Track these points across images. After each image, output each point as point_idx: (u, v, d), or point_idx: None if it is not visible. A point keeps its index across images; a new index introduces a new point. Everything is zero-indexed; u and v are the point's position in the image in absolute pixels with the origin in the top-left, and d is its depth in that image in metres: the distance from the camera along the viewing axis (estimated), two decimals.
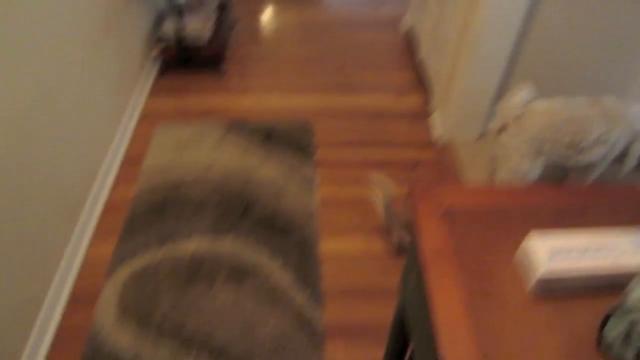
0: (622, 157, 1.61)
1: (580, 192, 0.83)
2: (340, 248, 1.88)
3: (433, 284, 0.68)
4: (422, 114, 2.48)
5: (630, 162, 1.60)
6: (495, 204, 0.80)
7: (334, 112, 2.49)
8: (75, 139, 1.85)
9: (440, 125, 2.33)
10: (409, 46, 2.96)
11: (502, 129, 1.60)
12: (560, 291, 0.68)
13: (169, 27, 2.60)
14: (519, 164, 1.55)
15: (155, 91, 2.63)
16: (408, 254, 0.89)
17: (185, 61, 2.73)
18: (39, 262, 1.60)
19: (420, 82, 2.68)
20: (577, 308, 0.67)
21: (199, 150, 2.24)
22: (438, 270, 0.70)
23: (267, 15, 3.26)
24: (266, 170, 2.13)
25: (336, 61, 2.84)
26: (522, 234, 0.76)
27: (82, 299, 1.73)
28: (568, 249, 0.66)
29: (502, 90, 2.16)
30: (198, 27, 2.62)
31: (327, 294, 1.73)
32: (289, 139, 2.29)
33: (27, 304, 1.53)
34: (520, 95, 1.54)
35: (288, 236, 1.88)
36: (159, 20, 2.74)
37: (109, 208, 2.03)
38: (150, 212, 1.98)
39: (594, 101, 1.56)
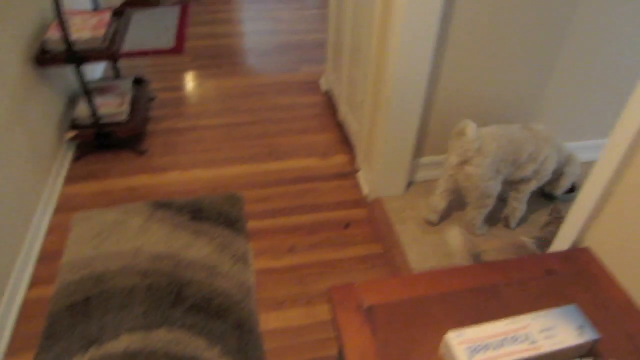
0: (558, 177, 2.02)
1: (491, 270, 0.86)
2: (282, 323, 1.82)
3: None
4: (349, 173, 2.54)
5: (564, 183, 1.99)
6: (414, 293, 0.81)
7: (262, 181, 2.48)
8: None
9: (366, 182, 2.39)
10: (330, 106, 3.06)
11: (464, 162, 1.82)
12: None
13: (82, 109, 2.52)
14: (488, 187, 1.83)
15: (71, 177, 2.50)
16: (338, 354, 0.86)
17: (103, 143, 2.64)
18: None
19: (344, 141, 2.76)
20: None
21: (123, 237, 2.13)
22: None
23: (186, 87, 3.26)
24: (196, 250, 2.06)
25: (260, 128, 2.87)
26: (444, 323, 0.77)
27: None
28: (486, 341, 0.67)
29: (421, 143, 2.26)
30: (114, 106, 2.56)
31: None
32: (218, 214, 2.24)
33: None
34: (471, 129, 1.77)
35: (225, 319, 1.80)
36: (71, 103, 2.66)
37: (24, 315, 1.86)
38: (71, 314, 1.83)
39: (524, 126, 1.91)
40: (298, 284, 1.97)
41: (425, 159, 2.34)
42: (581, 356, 0.70)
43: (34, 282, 1.98)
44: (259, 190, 2.43)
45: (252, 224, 2.23)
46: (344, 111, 2.72)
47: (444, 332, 0.71)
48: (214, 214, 2.24)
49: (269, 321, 1.82)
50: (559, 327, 0.70)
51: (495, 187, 1.86)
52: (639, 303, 0.81)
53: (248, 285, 1.93)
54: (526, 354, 0.67)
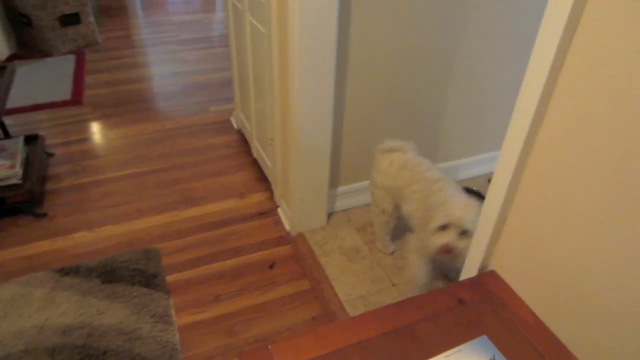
0: None
1: (404, 308, 0.87)
2: None
3: None
4: (269, 211, 2.50)
5: None
6: (330, 347, 0.78)
7: (179, 230, 2.37)
8: None
9: (287, 218, 2.37)
10: (243, 144, 3.02)
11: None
12: None
13: None
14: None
15: None
16: None
17: None
18: None
19: (261, 179, 2.72)
20: None
21: (25, 312, 1.92)
22: None
23: (88, 140, 3.08)
24: (111, 315, 1.90)
25: (172, 174, 2.76)
26: None
27: None
28: None
29: (336, 174, 2.29)
30: (4, 169, 2.34)
31: None
32: (133, 272, 2.09)
33: None
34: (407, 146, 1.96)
35: None
36: None
37: None
38: None
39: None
40: (227, 334, 1.88)
41: (341, 188, 2.37)
42: None
43: None
44: (176, 240, 2.31)
45: (172, 278, 2.11)
46: (257, 148, 2.70)
47: None
48: (129, 272, 2.09)
49: None
50: None
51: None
52: (547, 321, 0.84)
53: (173, 344, 1.81)
54: None
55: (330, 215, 2.38)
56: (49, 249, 2.26)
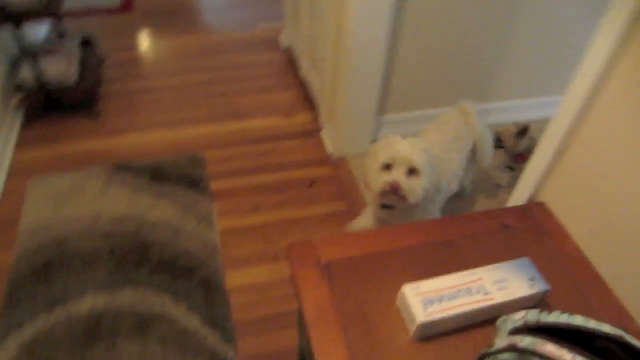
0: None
1: (448, 224, 0.90)
2: (248, 279, 1.85)
3: (317, 345, 0.68)
4: (313, 131, 2.53)
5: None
6: (372, 249, 0.83)
7: (223, 141, 2.45)
8: None
9: (330, 140, 2.40)
10: (290, 64, 3.01)
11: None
12: (440, 332, 0.72)
13: (26, 73, 2.38)
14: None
15: (23, 142, 2.40)
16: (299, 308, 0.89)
17: (53, 107, 2.52)
18: None
19: (306, 99, 2.73)
20: (455, 348, 0.71)
21: (83, 200, 2.07)
22: (321, 331, 0.70)
23: (140, 47, 3.13)
24: (160, 211, 2.04)
25: (220, 87, 2.80)
26: (401, 276, 0.79)
27: None
28: (441, 293, 0.71)
29: (385, 101, 2.27)
30: (61, 68, 2.43)
31: (239, 328, 1.69)
32: (180, 175, 2.21)
33: None
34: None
35: (191, 277, 1.81)
36: (14, 67, 2.50)
37: None
38: (33, 277, 1.79)
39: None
40: (263, 241, 1.99)
41: (388, 116, 2.36)
42: (531, 307, 0.75)
43: None
44: (221, 150, 2.40)
45: (215, 184, 2.21)
46: (306, 68, 2.69)
47: (401, 285, 0.74)
48: (176, 175, 2.21)
49: (235, 278, 1.85)
50: (512, 279, 0.73)
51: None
52: (590, 257, 0.86)
53: (213, 244, 1.94)
54: (479, 305, 0.70)
55: (373, 142, 2.39)
56: (103, 147, 2.38)
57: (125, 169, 2.23)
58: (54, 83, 2.40)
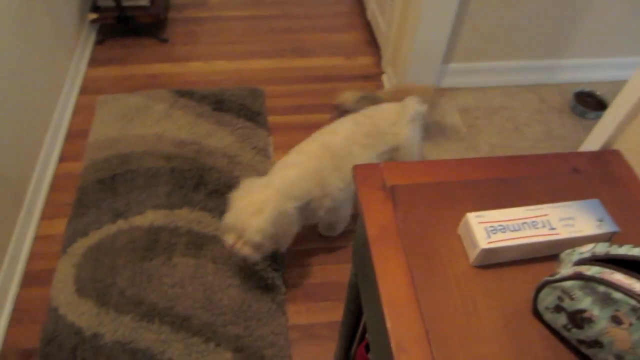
0: None
1: (516, 163, 0.87)
2: None
3: (378, 263, 0.70)
4: (373, 75, 2.49)
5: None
6: (437, 178, 0.83)
7: (284, 77, 2.45)
8: (11, 117, 1.74)
9: (390, 85, 2.35)
10: (358, 4, 2.93)
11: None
12: (500, 262, 0.72)
13: None
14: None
15: (95, 61, 2.49)
16: (357, 228, 0.90)
17: (125, 28, 2.59)
18: None
19: (370, 42, 2.67)
20: (515, 277, 0.71)
21: (147, 121, 2.16)
22: (383, 249, 0.72)
23: None
24: (218, 139, 2.10)
25: (284, 23, 2.77)
26: (464, 206, 0.78)
27: (36, 279, 1.69)
28: (505, 224, 0.70)
29: (452, 48, 2.19)
30: None
31: (287, 258, 1.76)
32: (240, 106, 2.24)
33: None
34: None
35: None
36: None
37: (55, 187, 1.95)
38: (100, 188, 1.92)
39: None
40: None
41: (454, 65, 2.28)
42: None
43: (63, 158, 2.05)
44: (281, 86, 2.41)
45: (273, 119, 2.24)
46: (373, 10, 2.61)
47: (464, 214, 0.74)
48: (236, 105, 2.25)
49: None
50: (579, 218, 0.72)
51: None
52: None
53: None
54: (543, 239, 0.70)
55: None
56: (169, 72, 2.45)
57: (188, 95, 2.29)
58: (129, 3, 2.46)
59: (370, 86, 2.43)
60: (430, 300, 0.67)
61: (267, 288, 1.65)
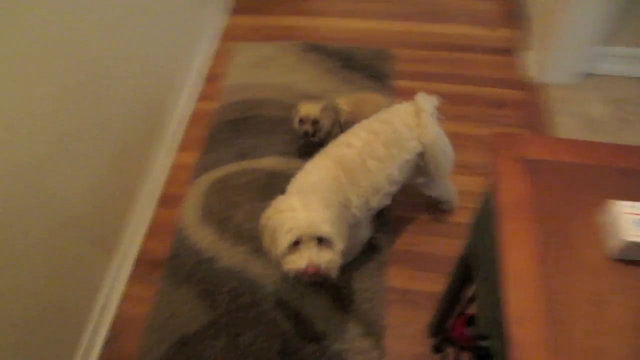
0: None
1: None
2: None
3: (506, 234, 0.68)
4: (515, 50, 2.32)
5: None
6: (583, 159, 0.77)
7: (417, 42, 2.39)
8: (157, 57, 1.93)
9: (533, 64, 2.18)
10: None
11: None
12: None
13: None
14: None
15: (236, 10, 2.64)
16: (484, 197, 0.88)
17: None
18: (133, 165, 1.76)
19: (514, 15, 2.48)
20: None
21: (278, 71, 2.26)
22: (513, 221, 0.69)
23: None
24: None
25: None
26: (610, 194, 0.72)
27: (170, 202, 1.90)
28: None
29: (617, 29, 1.95)
30: None
31: (395, 222, 1.77)
32: (367, 66, 2.25)
33: (123, 202, 1.71)
34: None
35: None
36: None
37: (193, 122, 2.15)
38: (230, 128, 2.07)
39: None
40: None
41: (614, 49, 2.03)
42: None
43: (201, 98, 2.24)
44: (413, 50, 2.35)
45: (399, 83, 2.21)
46: None
47: (606, 202, 0.68)
48: (364, 65, 2.25)
49: None
50: None
51: None
52: None
53: None
54: None
55: (586, 76, 2.11)
56: (304, 25, 2.51)
57: (319, 49, 2.34)
58: None
59: (507, 62, 2.27)
60: (558, 281, 0.64)
61: (370, 247, 1.69)
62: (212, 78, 2.31)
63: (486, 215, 0.84)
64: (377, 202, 1.43)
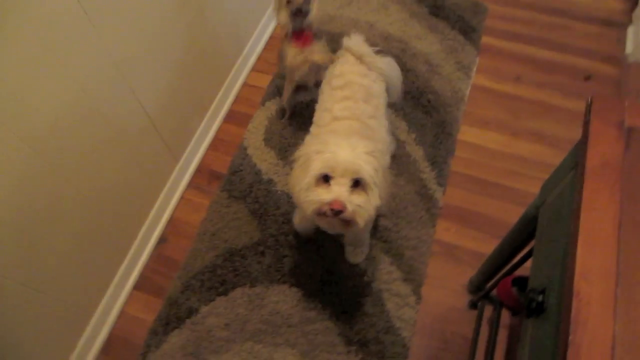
0: None
1: None
2: (480, 140, 1.84)
3: (590, 191, 0.66)
4: (617, 24, 2.15)
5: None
6: None
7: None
8: None
9: (634, 40, 2.02)
10: None
11: None
12: None
13: None
14: None
15: None
16: (568, 155, 0.85)
17: None
18: (209, 77, 1.81)
19: None
20: None
21: (364, 8, 2.20)
22: (598, 182, 0.67)
23: None
24: (426, 44, 2.06)
25: None
26: None
27: (236, 119, 1.95)
28: None
29: None
30: None
31: (453, 177, 1.75)
32: (457, 17, 2.15)
33: (195, 113, 1.77)
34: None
35: (431, 115, 1.87)
36: None
37: (270, 46, 2.16)
38: None
39: None
40: (510, 113, 1.91)
41: None
42: None
43: None
44: (507, 7, 2.22)
45: (487, 40, 2.12)
46: None
47: None
48: (454, 15, 2.15)
49: (468, 134, 1.86)
50: None
51: None
52: None
53: (462, 94, 1.93)
54: None
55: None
56: None
57: None
58: None
59: (607, 34, 2.11)
60: (633, 248, 0.63)
61: (425, 196, 1.69)
62: None
63: (568, 171, 0.82)
64: (388, 158, 1.38)
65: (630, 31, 2.09)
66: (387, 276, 1.56)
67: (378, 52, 1.45)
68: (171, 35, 1.48)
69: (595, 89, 1.96)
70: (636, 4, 2.13)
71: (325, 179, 1.06)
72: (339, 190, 1.03)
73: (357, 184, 1.06)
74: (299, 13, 1.53)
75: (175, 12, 1.47)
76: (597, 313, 0.59)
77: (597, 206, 0.66)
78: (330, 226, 1.14)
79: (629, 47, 2.04)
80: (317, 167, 1.05)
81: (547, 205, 0.90)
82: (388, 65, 1.45)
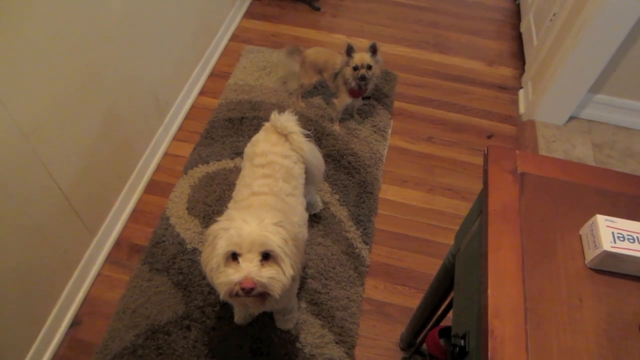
0: None
1: None
2: (400, 198, 1.92)
3: (493, 236, 0.71)
4: (509, 88, 2.41)
5: None
6: (572, 178, 0.81)
7: (420, 69, 2.46)
8: (169, 47, 1.96)
9: (525, 102, 2.27)
10: (514, 15, 2.83)
11: None
12: (617, 271, 0.70)
13: None
14: None
15: (250, 14, 2.69)
16: (474, 204, 0.91)
17: None
18: (128, 148, 1.76)
19: (516, 55, 2.58)
20: (630, 291, 0.68)
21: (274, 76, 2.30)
22: (500, 226, 0.72)
23: None
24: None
25: (433, 17, 2.77)
26: (592, 212, 0.76)
27: (157, 189, 1.90)
28: (635, 235, 0.68)
29: (605, 79, 2.05)
30: None
31: (378, 235, 1.80)
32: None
33: (112, 184, 1.71)
34: None
35: (352, 175, 1.94)
36: None
37: (192, 115, 2.16)
38: (227, 126, 2.09)
39: None
40: (425, 171, 2.03)
41: (601, 97, 2.13)
42: None
43: (203, 92, 2.26)
44: (415, 76, 2.42)
45: (399, 104, 2.27)
46: (529, 22, 2.51)
47: (590, 218, 0.72)
48: None
49: (388, 192, 1.94)
50: None
51: None
52: None
53: (380, 155, 2.03)
54: None
55: (571, 118, 2.20)
56: (313, 38, 2.57)
57: None
58: None
59: (502, 98, 2.36)
60: (536, 283, 0.67)
61: (352, 255, 1.71)
62: (218, 75, 2.34)
63: (474, 219, 0.87)
64: (305, 232, 1.38)
65: (521, 94, 2.34)
66: (319, 340, 1.52)
67: (306, 136, 1.47)
68: (85, 105, 1.45)
69: (498, 145, 2.14)
70: (524, 70, 2.41)
71: (234, 256, 1.03)
72: (247, 267, 1.00)
73: (267, 256, 1.03)
74: (363, 79, 1.88)
75: (90, 81, 1.45)
76: (511, 351, 0.61)
77: (502, 246, 0.70)
78: (244, 307, 1.07)
79: (522, 108, 2.28)
80: (222, 245, 1.02)
81: (461, 253, 0.94)
82: (311, 151, 1.45)
